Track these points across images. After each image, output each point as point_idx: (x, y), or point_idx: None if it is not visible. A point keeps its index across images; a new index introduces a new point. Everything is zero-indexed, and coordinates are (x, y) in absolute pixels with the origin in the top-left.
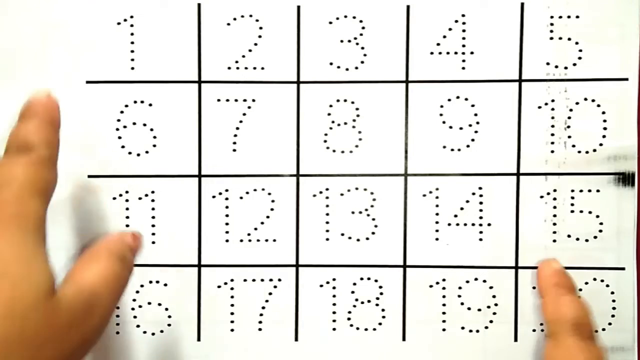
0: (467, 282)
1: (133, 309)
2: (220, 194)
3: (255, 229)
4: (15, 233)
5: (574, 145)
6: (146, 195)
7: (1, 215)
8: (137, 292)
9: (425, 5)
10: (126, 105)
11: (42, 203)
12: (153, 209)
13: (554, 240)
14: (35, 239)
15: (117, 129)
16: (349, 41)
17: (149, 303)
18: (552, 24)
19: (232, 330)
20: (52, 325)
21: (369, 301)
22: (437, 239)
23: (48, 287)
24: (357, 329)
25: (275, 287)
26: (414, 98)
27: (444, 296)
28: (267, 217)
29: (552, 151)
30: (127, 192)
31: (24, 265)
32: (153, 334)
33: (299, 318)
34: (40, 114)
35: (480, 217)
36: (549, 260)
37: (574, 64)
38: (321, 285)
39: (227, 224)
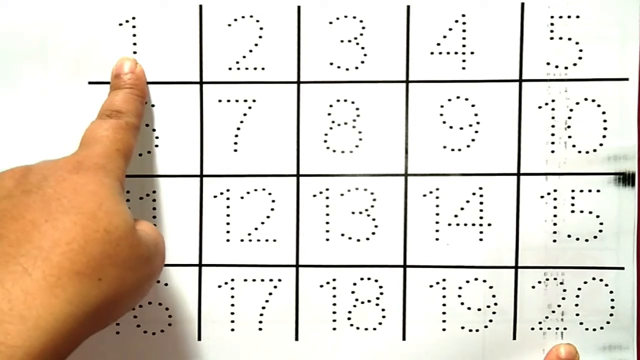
0: (467, 282)
1: (133, 308)
2: (221, 193)
3: (256, 228)
4: (104, 179)
5: (574, 145)
6: (147, 195)
7: (92, 165)
8: None
9: (425, 5)
10: None
11: (124, 163)
12: (154, 208)
13: (554, 240)
14: (120, 188)
15: None
16: (349, 41)
17: (149, 303)
18: (552, 24)
19: (232, 330)
20: (135, 254)
21: (369, 301)
22: (437, 239)
23: (133, 223)
24: (357, 329)
25: (275, 287)
26: (414, 98)
27: (444, 296)
28: (268, 217)
29: (552, 151)
30: (128, 192)
31: (115, 203)
32: (153, 333)
33: (299, 318)
34: (128, 86)
35: (480, 217)
36: (560, 345)
37: (574, 64)
38: (321, 286)
39: (227, 223)
